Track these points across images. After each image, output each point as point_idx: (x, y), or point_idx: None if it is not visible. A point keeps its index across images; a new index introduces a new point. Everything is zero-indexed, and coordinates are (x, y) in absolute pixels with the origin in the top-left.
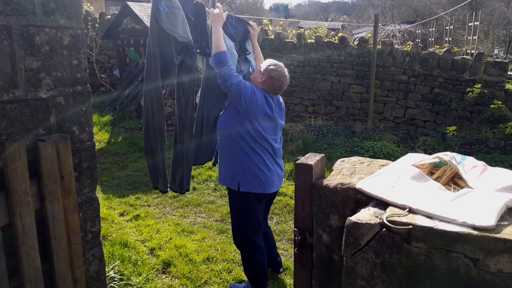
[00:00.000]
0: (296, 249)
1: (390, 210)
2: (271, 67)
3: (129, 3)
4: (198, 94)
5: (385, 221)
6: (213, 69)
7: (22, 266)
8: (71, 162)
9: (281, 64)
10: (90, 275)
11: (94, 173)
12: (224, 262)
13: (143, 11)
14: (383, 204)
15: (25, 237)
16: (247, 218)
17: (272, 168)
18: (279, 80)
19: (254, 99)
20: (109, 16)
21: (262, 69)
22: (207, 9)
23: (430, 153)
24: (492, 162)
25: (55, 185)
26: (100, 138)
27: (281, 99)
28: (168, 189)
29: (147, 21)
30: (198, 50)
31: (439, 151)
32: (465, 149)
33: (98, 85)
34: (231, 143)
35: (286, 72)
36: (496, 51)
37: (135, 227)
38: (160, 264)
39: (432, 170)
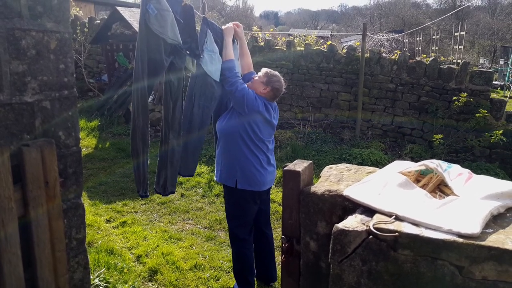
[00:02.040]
0: (283, 256)
1: (377, 217)
2: (274, 78)
3: (118, 8)
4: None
5: (371, 228)
6: (204, 71)
7: (3, 274)
8: (56, 167)
9: (277, 72)
10: (74, 282)
11: (80, 178)
12: (211, 269)
13: (133, 17)
14: (370, 211)
15: (8, 244)
16: (241, 215)
17: (267, 168)
18: (280, 88)
19: (256, 105)
20: (98, 21)
21: (264, 81)
22: (196, 12)
23: (417, 161)
24: (477, 170)
25: (39, 190)
26: (88, 143)
27: (276, 105)
28: (153, 191)
29: (136, 26)
30: (188, 52)
31: (426, 159)
32: (452, 157)
33: (86, 90)
34: (230, 144)
35: (283, 79)
36: (481, 61)
37: (122, 234)
38: (146, 272)
39: (419, 178)
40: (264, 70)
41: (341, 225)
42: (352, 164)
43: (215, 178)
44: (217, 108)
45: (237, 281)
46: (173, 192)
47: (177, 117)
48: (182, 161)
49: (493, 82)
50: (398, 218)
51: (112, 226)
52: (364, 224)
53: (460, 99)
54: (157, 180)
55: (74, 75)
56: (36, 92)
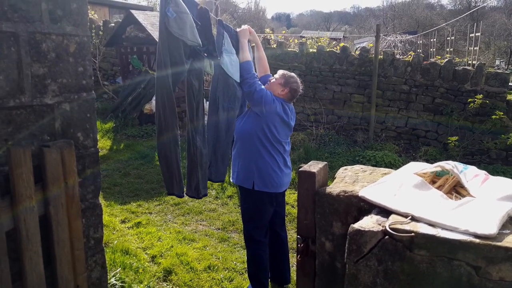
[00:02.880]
0: (299, 256)
1: (393, 218)
2: (291, 79)
3: (132, 11)
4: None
5: (387, 228)
6: (226, 74)
7: (25, 271)
8: (75, 168)
9: (293, 73)
10: (92, 281)
11: (98, 179)
12: (225, 270)
13: (147, 20)
14: (385, 212)
15: (29, 242)
16: (257, 217)
17: (283, 169)
18: (298, 89)
19: (274, 106)
20: (113, 24)
21: (282, 82)
22: (211, 14)
23: (432, 163)
24: (494, 173)
25: (59, 190)
26: (103, 145)
27: (292, 107)
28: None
29: (150, 29)
30: (205, 54)
31: (441, 161)
32: (467, 160)
33: (101, 92)
34: (248, 145)
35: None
36: (497, 62)
37: (137, 235)
38: (161, 272)
39: (434, 179)
40: (280, 71)
41: (357, 225)
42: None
43: (231, 180)
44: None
45: (251, 283)
46: (206, 195)
47: (200, 119)
48: (212, 167)
49: (510, 84)
50: (414, 219)
51: (127, 227)
52: (380, 224)
53: (475, 101)
54: (188, 184)
55: (92, 78)
56: (56, 94)
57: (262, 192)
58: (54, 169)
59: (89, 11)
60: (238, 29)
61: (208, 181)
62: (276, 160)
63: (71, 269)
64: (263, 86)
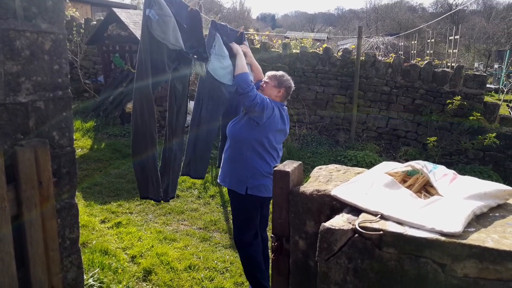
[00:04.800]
0: (273, 255)
1: (363, 216)
2: (283, 78)
3: (115, 9)
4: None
5: (357, 227)
6: (212, 76)
7: None
8: (50, 167)
9: (282, 72)
10: (68, 282)
11: (74, 179)
12: (206, 270)
13: (129, 18)
14: (356, 211)
15: (1, 243)
16: (249, 221)
17: None
18: (292, 86)
19: (273, 115)
20: (95, 22)
21: (275, 84)
22: (203, 15)
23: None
24: (471, 173)
25: (32, 190)
26: (83, 144)
27: (287, 109)
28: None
29: (133, 27)
30: (195, 56)
31: (412, 161)
32: (446, 160)
33: (82, 91)
34: (242, 150)
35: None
36: (476, 65)
37: (116, 235)
38: (141, 272)
39: (405, 178)
40: (269, 73)
41: (328, 224)
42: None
43: (218, 181)
44: (226, 111)
45: (251, 285)
46: (173, 197)
47: (180, 123)
48: (191, 164)
49: (488, 86)
50: (383, 217)
51: (107, 227)
52: (350, 223)
53: (454, 102)
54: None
55: (69, 76)
56: (30, 92)
57: (254, 196)
58: (27, 169)
59: (70, 9)
60: (233, 45)
61: (189, 178)
62: (270, 166)
63: (46, 270)
64: (263, 96)
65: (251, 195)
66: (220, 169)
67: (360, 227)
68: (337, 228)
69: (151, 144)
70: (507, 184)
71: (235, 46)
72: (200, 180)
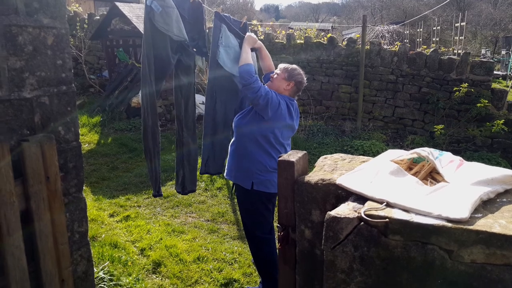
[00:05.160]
0: (279, 245)
1: (368, 204)
2: (294, 72)
3: (117, 3)
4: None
5: (363, 215)
6: (222, 68)
7: (7, 267)
8: (57, 162)
9: (295, 65)
10: (78, 275)
11: (81, 173)
12: (214, 261)
13: (132, 12)
14: (362, 199)
15: (10, 237)
16: (258, 217)
17: None
18: (303, 81)
19: (279, 109)
20: (98, 17)
21: (285, 76)
22: (207, 7)
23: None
24: (479, 160)
25: (40, 185)
26: (90, 139)
27: (297, 105)
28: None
29: (136, 21)
30: (194, 49)
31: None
32: (453, 147)
33: (87, 86)
34: (248, 144)
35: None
36: (483, 51)
37: (125, 228)
38: (150, 264)
39: (411, 166)
40: (281, 65)
41: (333, 212)
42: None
43: (225, 176)
44: (238, 103)
45: (262, 278)
46: (193, 191)
47: (190, 115)
48: (210, 160)
49: (495, 72)
50: (389, 205)
51: (116, 220)
52: (356, 211)
53: (461, 89)
54: (176, 179)
55: (72, 71)
56: (35, 88)
57: (260, 192)
58: (34, 164)
59: (73, 4)
60: (246, 35)
61: (206, 174)
62: (276, 161)
63: (55, 264)
64: (268, 89)
65: (257, 190)
66: (226, 163)
67: (365, 215)
68: (342, 216)
69: (153, 140)
70: None
71: (246, 37)
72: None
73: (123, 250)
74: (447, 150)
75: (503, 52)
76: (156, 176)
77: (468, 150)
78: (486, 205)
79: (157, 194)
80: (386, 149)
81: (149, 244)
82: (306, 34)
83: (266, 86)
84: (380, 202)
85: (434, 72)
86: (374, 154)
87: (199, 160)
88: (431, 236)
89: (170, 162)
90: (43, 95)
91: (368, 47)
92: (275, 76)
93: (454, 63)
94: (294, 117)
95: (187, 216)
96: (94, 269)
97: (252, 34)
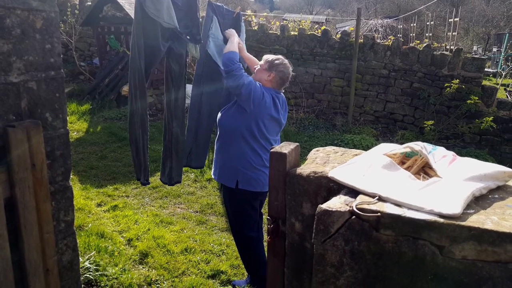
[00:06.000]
0: (269, 237)
1: (360, 198)
2: (276, 61)
3: None
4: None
5: (354, 208)
6: (211, 59)
7: None
8: (43, 149)
9: (280, 56)
10: (63, 264)
11: (68, 161)
12: (202, 252)
13: None
14: (354, 193)
15: None
16: (244, 216)
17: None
18: (287, 72)
19: (263, 101)
20: (89, 3)
21: (266, 67)
22: None
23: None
24: (467, 156)
25: (25, 172)
26: (79, 127)
27: (284, 98)
28: (156, 180)
29: (128, 8)
30: (188, 37)
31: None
32: (442, 143)
33: (78, 73)
34: (232, 140)
35: (288, 62)
36: (475, 48)
37: (113, 218)
38: (137, 255)
39: (404, 160)
40: (264, 56)
41: (324, 205)
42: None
43: (212, 175)
44: (225, 96)
45: (249, 275)
46: (179, 182)
47: (180, 105)
48: (192, 153)
49: (486, 69)
50: (381, 199)
51: (103, 210)
52: (347, 204)
53: (452, 85)
54: (162, 170)
55: (61, 56)
56: (22, 72)
57: (246, 191)
58: (19, 150)
59: None
60: (226, 30)
61: (188, 167)
62: (262, 158)
63: (40, 253)
64: (251, 79)
65: (243, 189)
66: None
67: (357, 208)
68: (334, 210)
69: (142, 127)
70: None
71: (227, 33)
72: None
73: (110, 240)
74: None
75: (494, 49)
76: (145, 164)
77: (457, 147)
78: (478, 201)
79: (146, 182)
80: (376, 144)
81: (137, 234)
82: (300, 26)
83: (250, 77)
84: (372, 196)
85: (426, 67)
86: (364, 148)
87: None
88: (423, 232)
89: (159, 152)
90: (30, 80)
91: (362, 40)
92: (257, 67)
93: (446, 59)
94: (281, 111)
95: (175, 207)
96: (80, 258)
97: (232, 30)
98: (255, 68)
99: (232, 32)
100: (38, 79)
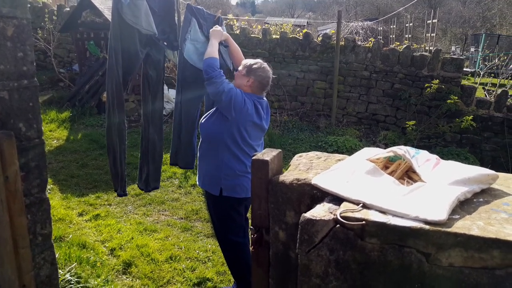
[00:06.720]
0: (252, 247)
1: (344, 205)
2: (254, 66)
3: None
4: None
5: (338, 217)
6: (188, 63)
7: None
8: (17, 161)
9: (259, 60)
10: (41, 279)
11: (44, 172)
12: (187, 260)
13: (103, 4)
14: (338, 200)
15: None
16: (230, 222)
17: None
18: (266, 76)
19: (245, 108)
20: (68, 9)
21: (244, 72)
22: None
23: (391, 147)
24: (449, 155)
25: None
26: (59, 135)
27: (267, 103)
28: (135, 188)
29: (107, 14)
30: (165, 43)
31: (400, 145)
32: (424, 143)
33: (57, 80)
34: (214, 147)
35: (267, 65)
36: (453, 48)
37: (95, 227)
38: (120, 265)
39: (387, 164)
40: (243, 61)
41: (308, 214)
42: (328, 151)
43: (197, 182)
44: (209, 102)
45: (236, 281)
46: (157, 188)
47: (157, 111)
48: (179, 153)
49: (464, 69)
50: (365, 206)
51: (85, 220)
52: (331, 213)
53: (432, 85)
54: (139, 176)
55: (34, 64)
56: None
57: (230, 197)
58: None
59: None
60: (211, 30)
61: (169, 167)
62: (245, 164)
63: (15, 269)
64: (232, 85)
65: (227, 197)
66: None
67: (341, 217)
68: (318, 218)
69: (119, 136)
70: (483, 167)
71: (211, 33)
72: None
73: (91, 251)
74: (418, 146)
75: (472, 49)
76: (122, 174)
77: (438, 146)
78: (463, 206)
79: (123, 193)
80: (359, 145)
81: (120, 243)
82: (282, 30)
83: (231, 83)
84: (356, 203)
85: (406, 68)
86: (348, 149)
87: (165, 157)
88: (408, 239)
89: None
90: (2, 90)
91: (343, 43)
92: (236, 73)
93: (426, 60)
94: (263, 116)
95: (159, 214)
96: (60, 271)
97: (218, 27)
98: (235, 74)
99: (214, 32)
100: (10, 89)
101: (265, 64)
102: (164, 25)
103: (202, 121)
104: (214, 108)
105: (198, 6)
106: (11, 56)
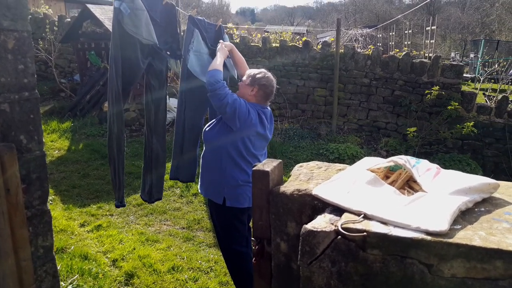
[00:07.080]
0: (254, 258)
1: (345, 216)
2: (258, 76)
3: (89, 5)
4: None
5: (340, 228)
6: (192, 74)
7: None
8: (18, 173)
9: (263, 69)
10: None
11: (45, 184)
12: (190, 271)
13: (104, 14)
14: (339, 210)
15: None
16: (233, 232)
17: None
18: (270, 85)
19: (249, 118)
20: (69, 19)
21: (248, 82)
22: (181, 10)
23: (393, 154)
24: (450, 162)
25: None
26: (60, 145)
27: (271, 113)
28: (135, 198)
29: (108, 24)
30: (168, 53)
31: (401, 152)
32: (425, 149)
33: (58, 90)
34: (218, 157)
35: (271, 75)
36: (452, 54)
37: (97, 238)
38: (122, 276)
39: (388, 174)
40: (247, 71)
41: (309, 225)
42: (330, 159)
43: (199, 190)
44: (212, 110)
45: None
46: (160, 199)
47: (160, 121)
48: (180, 167)
49: (464, 75)
50: (366, 217)
51: (87, 230)
52: (333, 224)
53: (432, 92)
54: (142, 187)
55: (35, 76)
56: None
57: (233, 207)
58: None
59: (43, 6)
60: (218, 46)
61: (176, 180)
62: (248, 174)
63: (17, 282)
64: (236, 96)
65: (230, 206)
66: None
67: (343, 228)
68: (319, 230)
69: (117, 146)
70: (485, 173)
71: (219, 47)
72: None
73: (93, 262)
74: (419, 152)
75: (472, 55)
76: (120, 185)
77: (440, 152)
78: (465, 215)
79: (120, 204)
80: (361, 152)
81: (122, 254)
82: (282, 38)
83: (234, 94)
84: (357, 214)
85: (406, 75)
86: (349, 157)
87: (168, 167)
88: (410, 250)
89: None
90: (3, 102)
91: (342, 50)
92: (241, 83)
93: (426, 66)
94: (267, 125)
95: (161, 224)
96: (62, 283)
97: (226, 44)
98: (239, 84)
99: (223, 50)
100: (11, 101)
101: (269, 74)
102: (166, 35)
103: (206, 130)
104: (219, 117)
105: (199, 17)
106: (12, 69)
